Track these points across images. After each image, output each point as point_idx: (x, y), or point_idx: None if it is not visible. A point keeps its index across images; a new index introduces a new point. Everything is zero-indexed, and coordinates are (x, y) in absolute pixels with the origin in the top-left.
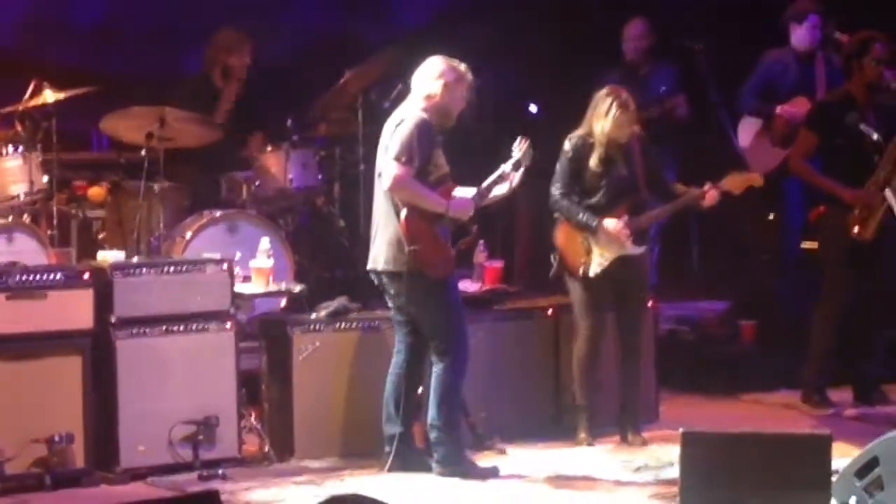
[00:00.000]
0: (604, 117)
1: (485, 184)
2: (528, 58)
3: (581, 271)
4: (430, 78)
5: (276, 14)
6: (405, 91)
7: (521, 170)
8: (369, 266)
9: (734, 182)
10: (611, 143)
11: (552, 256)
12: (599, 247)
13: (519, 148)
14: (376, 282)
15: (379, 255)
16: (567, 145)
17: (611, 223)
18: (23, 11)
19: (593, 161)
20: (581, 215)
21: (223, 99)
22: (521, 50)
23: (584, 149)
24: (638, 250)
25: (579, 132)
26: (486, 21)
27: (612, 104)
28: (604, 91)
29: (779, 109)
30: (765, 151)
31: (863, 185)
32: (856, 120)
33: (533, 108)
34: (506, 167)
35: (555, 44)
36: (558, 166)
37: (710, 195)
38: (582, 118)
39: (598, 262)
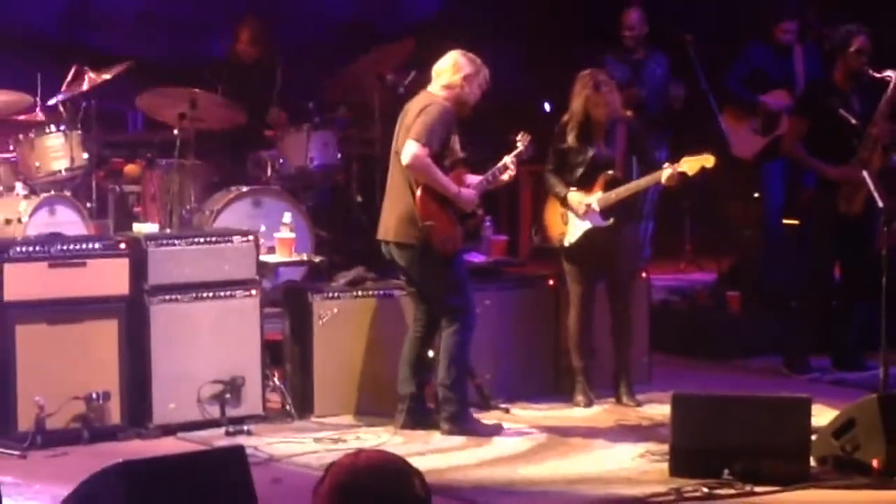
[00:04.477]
0: (578, 95)
1: (490, 172)
2: (532, 51)
3: (559, 241)
4: (451, 70)
5: (297, 4)
6: (419, 78)
7: (522, 159)
8: (380, 235)
9: (689, 164)
10: (588, 122)
11: (532, 228)
12: (574, 220)
13: (522, 141)
14: (385, 251)
15: (390, 227)
16: (557, 127)
17: (574, 197)
18: (64, 3)
19: (570, 138)
20: (556, 188)
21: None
22: (523, 41)
23: (566, 128)
24: (604, 223)
25: (565, 117)
26: (491, 11)
27: (585, 84)
28: (584, 72)
29: (762, 99)
30: (747, 136)
31: (846, 164)
32: (836, 106)
33: (547, 107)
34: (508, 158)
35: (558, 36)
36: (550, 148)
37: (667, 176)
38: None
39: (571, 233)
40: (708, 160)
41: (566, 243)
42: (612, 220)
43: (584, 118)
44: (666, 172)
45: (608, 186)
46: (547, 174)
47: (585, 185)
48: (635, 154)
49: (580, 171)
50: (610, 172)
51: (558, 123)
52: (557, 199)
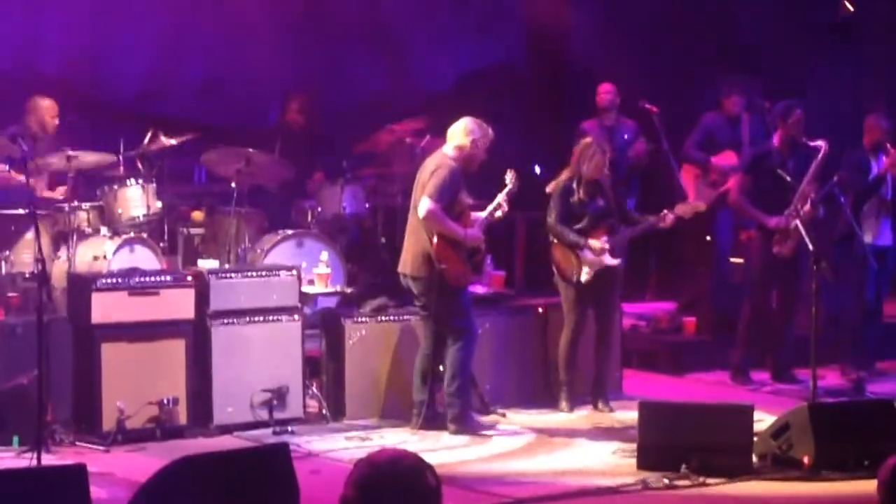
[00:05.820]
0: (588, 160)
1: (488, 209)
2: (528, 122)
3: (574, 279)
4: (461, 134)
5: (333, 80)
6: (433, 142)
7: (512, 195)
8: (399, 269)
9: (684, 209)
10: (590, 180)
11: (553, 269)
12: (587, 261)
13: (510, 179)
14: (403, 282)
15: (408, 263)
16: (560, 187)
17: (594, 243)
18: (142, 77)
19: (581, 193)
20: (571, 236)
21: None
22: (520, 113)
23: (570, 188)
24: (615, 262)
25: (565, 176)
26: (494, 88)
27: (594, 150)
28: (588, 140)
29: (713, 160)
30: (701, 190)
31: (782, 215)
32: (776, 166)
33: (537, 169)
34: (501, 196)
35: (549, 110)
36: (552, 202)
37: (668, 219)
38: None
39: (586, 272)
40: (700, 207)
41: (582, 279)
42: (620, 259)
43: (592, 177)
44: (668, 217)
45: (611, 232)
46: (555, 225)
47: (590, 232)
48: (616, 206)
49: (587, 220)
50: (612, 220)
51: (557, 182)
52: (571, 246)
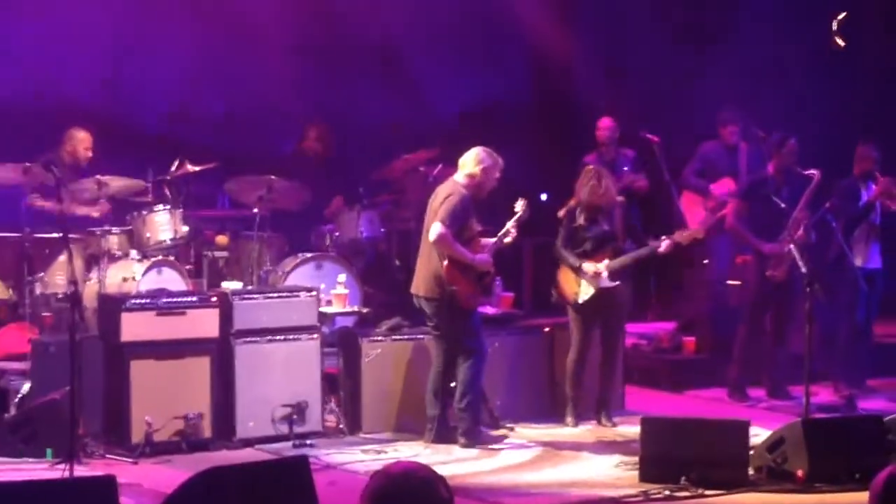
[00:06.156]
0: (586, 186)
1: (498, 235)
2: (532, 151)
3: (573, 300)
4: (472, 163)
5: (350, 111)
6: (444, 170)
7: (521, 222)
8: (412, 290)
9: (682, 236)
10: (591, 206)
11: (552, 290)
12: (586, 282)
13: (521, 207)
14: (416, 302)
15: (420, 284)
16: (566, 213)
17: (588, 266)
18: (167, 107)
19: (581, 218)
20: (570, 259)
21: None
22: (528, 142)
23: (573, 213)
24: (611, 284)
25: (572, 202)
26: (501, 117)
27: (591, 178)
28: (588, 167)
29: (711, 187)
30: (699, 215)
31: (776, 240)
32: (770, 193)
33: (543, 197)
34: (511, 223)
35: (554, 139)
36: (561, 227)
37: (665, 244)
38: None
39: (585, 292)
40: (699, 233)
41: (580, 301)
42: (618, 282)
43: (590, 203)
44: (665, 243)
45: (614, 255)
46: (559, 249)
47: (593, 255)
48: (628, 230)
49: (588, 244)
50: (615, 244)
51: (567, 207)
52: (572, 269)
